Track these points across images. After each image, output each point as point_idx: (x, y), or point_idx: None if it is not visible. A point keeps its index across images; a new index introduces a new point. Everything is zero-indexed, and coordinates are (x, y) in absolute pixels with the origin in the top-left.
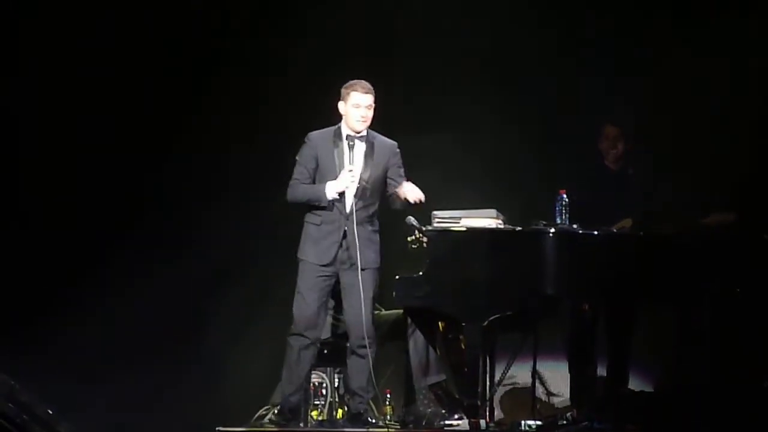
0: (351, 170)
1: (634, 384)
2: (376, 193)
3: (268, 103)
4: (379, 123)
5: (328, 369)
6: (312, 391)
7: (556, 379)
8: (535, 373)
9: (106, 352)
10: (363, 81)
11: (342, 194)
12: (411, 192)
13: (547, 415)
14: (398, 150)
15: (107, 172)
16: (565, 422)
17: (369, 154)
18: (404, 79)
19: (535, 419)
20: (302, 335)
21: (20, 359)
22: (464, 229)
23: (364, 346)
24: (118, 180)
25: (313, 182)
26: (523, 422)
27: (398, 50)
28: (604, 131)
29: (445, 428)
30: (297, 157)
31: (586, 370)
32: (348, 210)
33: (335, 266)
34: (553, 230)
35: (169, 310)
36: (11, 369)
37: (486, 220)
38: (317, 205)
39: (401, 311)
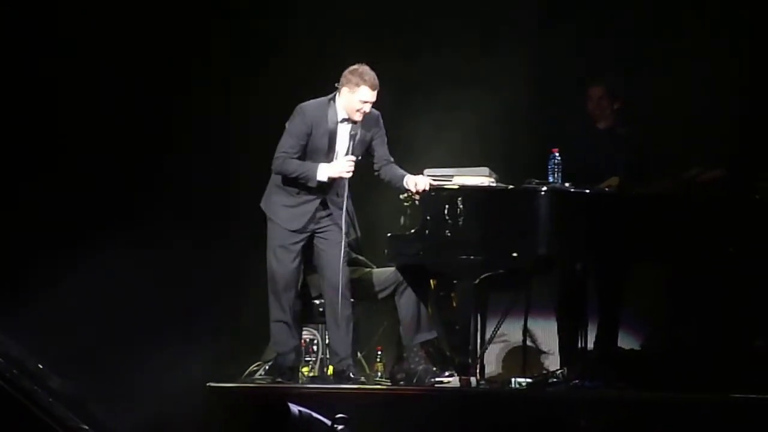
0: (351, 161)
1: (624, 343)
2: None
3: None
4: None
5: (320, 326)
6: (303, 348)
7: (547, 337)
8: (526, 331)
9: (93, 308)
10: (372, 74)
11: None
12: (420, 184)
13: (538, 372)
14: (380, 119)
15: None
16: (555, 380)
17: (358, 130)
18: (400, 34)
19: (525, 377)
20: (281, 296)
21: (10, 314)
22: (457, 187)
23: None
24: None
25: (303, 155)
26: (513, 380)
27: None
28: (589, 92)
29: (436, 385)
30: (288, 126)
31: (576, 329)
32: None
33: (307, 231)
34: (545, 188)
35: (158, 265)
36: (1, 324)
37: (478, 178)
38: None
39: (392, 268)
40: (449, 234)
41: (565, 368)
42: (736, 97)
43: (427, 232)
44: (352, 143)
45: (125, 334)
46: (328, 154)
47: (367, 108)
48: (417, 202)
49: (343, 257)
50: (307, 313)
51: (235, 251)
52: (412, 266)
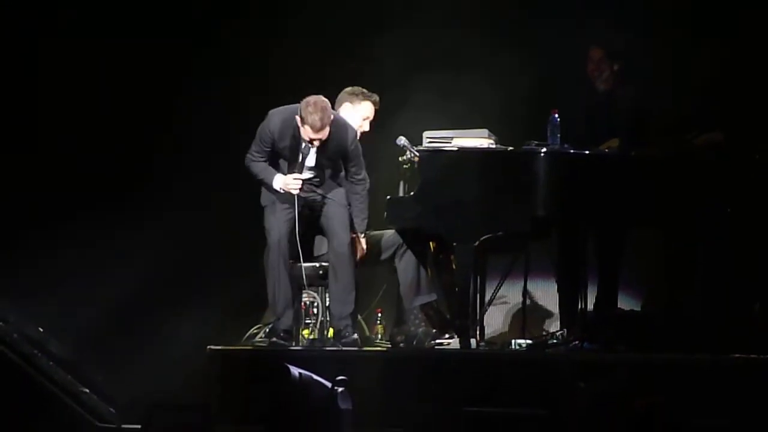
0: (298, 180)
1: (624, 304)
2: (339, 161)
3: None
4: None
5: (320, 288)
6: (303, 311)
7: (547, 299)
8: (525, 293)
9: (95, 274)
10: (316, 115)
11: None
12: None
13: (538, 334)
14: (357, 141)
15: None
16: (555, 342)
17: (327, 142)
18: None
19: (525, 338)
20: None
21: (12, 280)
22: (456, 149)
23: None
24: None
25: (273, 159)
26: (513, 341)
27: None
28: (588, 54)
29: (436, 348)
30: (258, 131)
31: (576, 291)
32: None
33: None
34: (544, 150)
35: (159, 231)
36: (2, 288)
37: (478, 140)
38: None
39: (392, 231)
40: (448, 197)
41: (565, 330)
42: (733, 60)
43: (425, 195)
44: (315, 157)
45: (127, 299)
46: (292, 164)
47: (317, 143)
48: (416, 165)
49: (348, 221)
50: (307, 276)
51: (236, 217)
52: (411, 229)
